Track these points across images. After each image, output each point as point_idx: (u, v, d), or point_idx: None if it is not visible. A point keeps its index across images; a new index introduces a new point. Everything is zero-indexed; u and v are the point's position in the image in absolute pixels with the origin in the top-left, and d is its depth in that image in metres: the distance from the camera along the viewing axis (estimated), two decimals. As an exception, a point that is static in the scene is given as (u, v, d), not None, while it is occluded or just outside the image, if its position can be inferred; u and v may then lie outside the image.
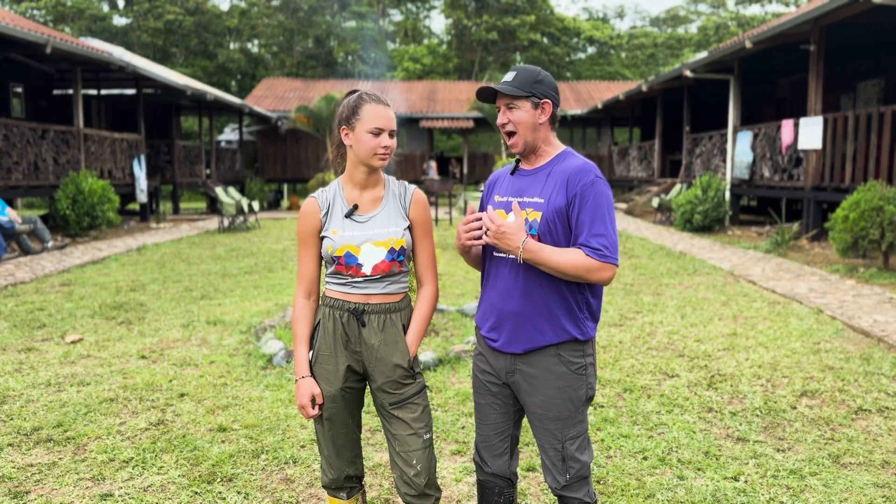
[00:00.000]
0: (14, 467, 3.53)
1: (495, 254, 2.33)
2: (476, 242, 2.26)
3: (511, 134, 2.29)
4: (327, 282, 2.45)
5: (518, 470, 3.47)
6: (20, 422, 4.13)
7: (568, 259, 2.15)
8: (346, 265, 2.34)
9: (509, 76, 2.28)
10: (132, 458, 3.64)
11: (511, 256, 2.26)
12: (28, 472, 3.48)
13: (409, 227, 2.42)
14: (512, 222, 2.18)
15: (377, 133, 2.30)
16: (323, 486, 2.56)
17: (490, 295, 2.36)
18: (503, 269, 2.30)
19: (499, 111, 2.31)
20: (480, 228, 2.23)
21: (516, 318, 2.28)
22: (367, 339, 2.37)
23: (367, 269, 2.34)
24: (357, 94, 2.37)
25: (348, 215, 2.37)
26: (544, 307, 2.25)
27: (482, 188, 2.72)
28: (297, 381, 2.42)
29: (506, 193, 2.35)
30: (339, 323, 2.38)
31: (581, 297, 2.28)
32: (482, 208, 2.46)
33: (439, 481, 3.38)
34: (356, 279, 2.36)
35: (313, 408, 2.40)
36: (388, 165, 2.44)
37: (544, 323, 2.26)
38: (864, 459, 3.59)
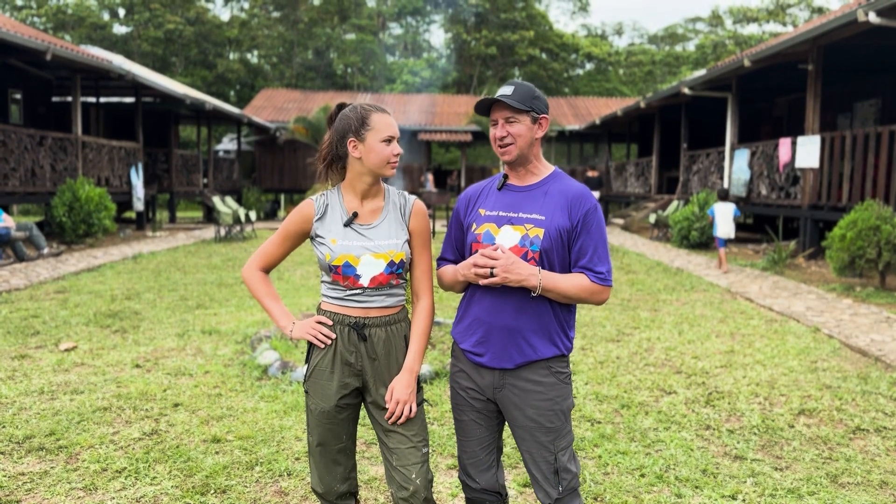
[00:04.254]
0: (5, 476, 3.49)
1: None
2: (487, 281, 2.20)
3: (506, 146, 2.29)
4: (324, 294, 2.42)
5: (514, 486, 3.45)
6: (12, 430, 4.08)
7: (575, 284, 2.24)
8: (343, 275, 2.31)
9: (507, 90, 2.28)
10: (125, 467, 3.60)
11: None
12: (19, 481, 3.44)
13: (408, 239, 2.39)
14: (512, 254, 2.21)
15: (389, 141, 2.30)
16: (312, 490, 2.52)
17: (475, 310, 2.34)
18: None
19: (494, 125, 2.31)
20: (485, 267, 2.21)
21: (507, 333, 2.27)
22: (369, 353, 2.35)
23: (364, 281, 2.31)
24: (358, 105, 2.34)
25: (348, 224, 2.34)
26: (538, 323, 2.27)
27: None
28: (290, 331, 2.37)
29: (495, 208, 2.34)
30: (339, 337, 2.35)
31: (570, 313, 2.36)
32: (459, 224, 2.43)
33: (435, 496, 3.35)
34: (353, 290, 2.33)
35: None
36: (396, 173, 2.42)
37: (538, 338, 2.28)
38: (862, 479, 3.57)
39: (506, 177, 2.39)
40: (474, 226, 2.35)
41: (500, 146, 2.30)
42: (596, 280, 2.25)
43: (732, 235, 11.38)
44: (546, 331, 2.28)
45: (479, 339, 2.32)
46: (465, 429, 2.43)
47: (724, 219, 11.27)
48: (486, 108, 2.32)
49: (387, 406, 2.36)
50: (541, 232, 2.24)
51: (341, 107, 2.39)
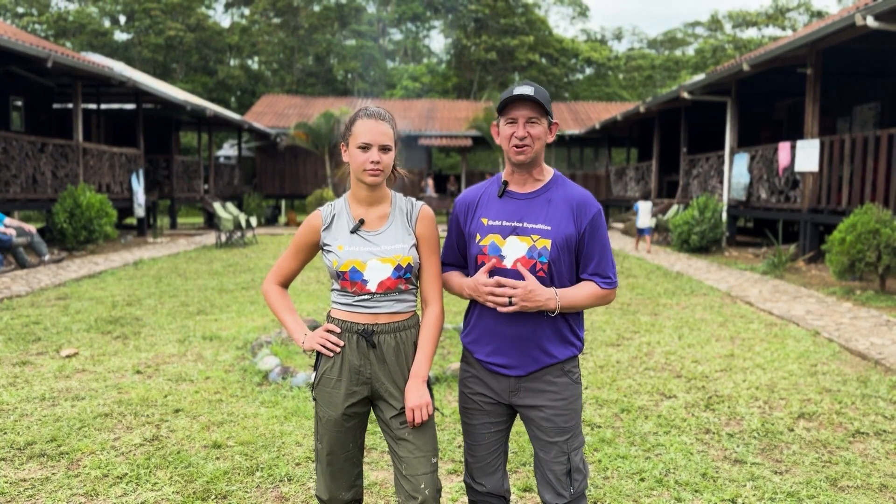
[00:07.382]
0: (7, 482, 3.50)
1: None
2: (506, 309, 2.19)
3: (524, 147, 2.24)
4: (333, 301, 2.42)
5: (515, 490, 3.45)
6: (13, 436, 4.09)
7: (588, 295, 2.27)
8: (350, 281, 2.31)
9: (528, 90, 2.21)
10: (126, 473, 3.61)
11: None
12: (21, 487, 3.45)
13: (416, 245, 2.38)
14: (531, 281, 2.18)
15: (365, 148, 2.26)
16: (316, 497, 2.52)
17: (487, 320, 2.32)
18: None
19: (512, 122, 2.24)
20: (504, 295, 2.19)
21: (522, 342, 2.27)
22: (378, 360, 2.34)
23: (372, 286, 2.31)
24: (358, 109, 2.35)
25: (354, 230, 2.34)
26: (552, 329, 2.27)
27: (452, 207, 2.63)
28: (302, 343, 2.38)
29: (498, 217, 2.30)
30: (347, 345, 2.35)
31: (578, 314, 2.37)
32: (459, 230, 2.41)
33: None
34: (361, 296, 2.33)
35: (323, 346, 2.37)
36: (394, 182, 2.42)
37: (551, 343, 2.28)
38: (862, 483, 3.57)
39: (505, 183, 2.35)
40: (478, 236, 2.31)
41: (517, 146, 2.23)
42: (605, 285, 2.29)
43: (650, 225, 15.34)
44: (560, 335, 2.29)
45: (493, 350, 2.32)
46: (473, 433, 2.42)
47: (645, 212, 15.13)
48: (503, 104, 2.25)
49: (397, 414, 2.34)
50: (548, 243, 2.22)
51: None
